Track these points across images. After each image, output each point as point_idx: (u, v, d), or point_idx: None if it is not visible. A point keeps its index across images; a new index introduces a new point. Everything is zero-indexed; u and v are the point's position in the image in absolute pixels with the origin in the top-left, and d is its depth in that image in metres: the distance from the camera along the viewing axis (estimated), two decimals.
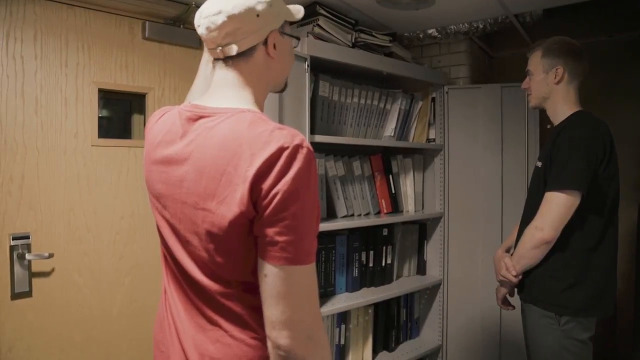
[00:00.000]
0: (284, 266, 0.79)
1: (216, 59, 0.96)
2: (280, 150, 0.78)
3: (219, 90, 0.95)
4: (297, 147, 0.79)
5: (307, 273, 0.82)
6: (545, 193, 1.55)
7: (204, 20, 0.92)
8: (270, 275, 0.80)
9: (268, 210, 0.78)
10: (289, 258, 0.79)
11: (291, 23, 1.02)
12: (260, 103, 0.98)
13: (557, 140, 1.56)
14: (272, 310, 0.81)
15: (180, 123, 0.93)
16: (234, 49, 0.91)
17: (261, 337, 0.87)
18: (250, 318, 0.88)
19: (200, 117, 0.90)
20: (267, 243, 0.80)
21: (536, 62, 1.68)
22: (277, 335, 0.81)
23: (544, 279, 1.59)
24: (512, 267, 1.64)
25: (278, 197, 0.77)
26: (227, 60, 0.94)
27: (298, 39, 1.05)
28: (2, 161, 1.69)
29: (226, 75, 0.94)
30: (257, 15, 0.90)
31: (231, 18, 0.88)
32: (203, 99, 0.96)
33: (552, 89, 1.66)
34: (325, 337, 0.86)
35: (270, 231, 0.79)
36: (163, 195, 0.94)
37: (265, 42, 0.93)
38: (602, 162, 1.52)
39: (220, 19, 0.89)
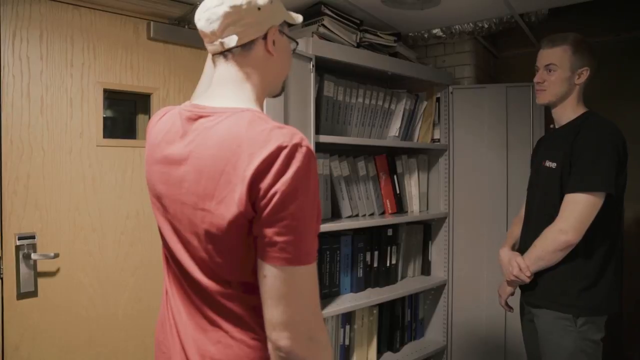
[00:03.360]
0: (284, 267, 0.79)
1: (216, 55, 0.95)
2: (279, 149, 0.78)
3: (219, 88, 0.94)
4: (296, 146, 0.79)
5: (308, 273, 0.81)
6: (568, 194, 1.52)
7: (204, 13, 0.92)
8: (270, 276, 0.80)
9: (267, 210, 0.78)
10: (289, 258, 0.79)
11: (290, 26, 1.03)
12: (260, 102, 0.97)
13: (577, 141, 1.54)
14: (272, 311, 0.80)
15: (181, 123, 0.93)
16: (234, 40, 0.91)
17: (262, 338, 0.86)
18: (251, 319, 0.88)
19: (200, 117, 0.90)
20: (267, 243, 0.79)
21: (564, 57, 1.60)
22: (277, 337, 0.80)
23: (561, 281, 1.57)
24: (527, 267, 1.61)
25: (277, 197, 0.77)
26: (227, 54, 0.93)
27: (297, 42, 1.05)
28: (8, 161, 1.69)
29: (227, 71, 0.94)
30: (259, 9, 0.90)
31: (233, 8, 0.89)
32: (203, 98, 0.96)
33: (572, 88, 1.62)
34: (326, 338, 0.86)
35: (269, 231, 0.78)
36: (163, 195, 0.94)
37: (265, 38, 0.93)
38: (623, 162, 1.52)
39: (222, 9, 0.89)
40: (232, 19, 0.90)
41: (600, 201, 1.48)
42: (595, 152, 1.50)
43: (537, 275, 1.62)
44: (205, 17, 0.92)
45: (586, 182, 1.49)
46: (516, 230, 1.82)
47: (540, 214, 1.65)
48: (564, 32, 1.64)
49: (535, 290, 1.64)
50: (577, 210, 1.49)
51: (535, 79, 1.68)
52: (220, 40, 0.92)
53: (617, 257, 1.57)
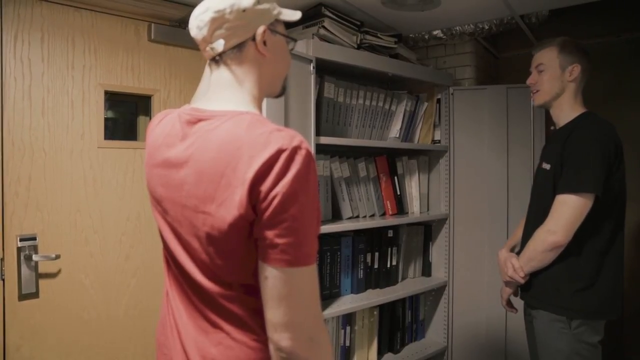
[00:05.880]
0: (285, 268, 0.79)
1: (211, 61, 0.96)
2: (279, 152, 0.78)
3: (216, 92, 0.95)
4: (296, 149, 0.79)
5: (308, 274, 0.82)
6: (557, 195, 1.53)
7: (194, 21, 0.94)
8: (271, 278, 0.80)
9: (267, 213, 0.78)
10: (289, 260, 0.79)
11: (287, 25, 1.02)
12: (258, 103, 0.98)
13: (568, 142, 1.54)
14: (273, 313, 0.81)
15: (180, 126, 0.93)
16: (221, 44, 0.92)
17: (263, 339, 0.87)
18: (252, 320, 0.88)
19: (200, 120, 0.90)
20: (267, 245, 0.80)
21: (552, 57, 1.64)
22: (278, 338, 0.81)
23: (555, 283, 1.57)
24: (520, 268, 1.62)
25: (277, 199, 0.77)
26: (219, 59, 0.94)
27: (294, 40, 1.04)
28: (9, 162, 1.70)
29: (221, 75, 0.95)
30: (244, 10, 0.90)
31: (218, 12, 0.90)
32: (202, 101, 0.96)
33: (565, 86, 1.63)
34: (327, 338, 0.86)
35: (270, 233, 0.79)
36: (164, 198, 0.94)
37: (255, 39, 0.93)
38: (615, 163, 1.51)
39: (208, 15, 0.90)
40: (218, 24, 0.90)
41: (589, 202, 1.48)
42: (584, 154, 1.50)
43: (534, 276, 1.63)
44: (195, 25, 0.93)
45: (574, 183, 1.49)
46: (519, 232, 1.82)
47: (537, 215, 1.66)
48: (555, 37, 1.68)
49: (532, 291, 1.65)
50: (566, 211, 1.49)
51: (528, 81, 1.71)
52: (210, 46, 0.93)
53: (615, 260, 1.56)
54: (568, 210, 1.49)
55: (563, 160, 1.54)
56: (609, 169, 1.49)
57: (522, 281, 1.63)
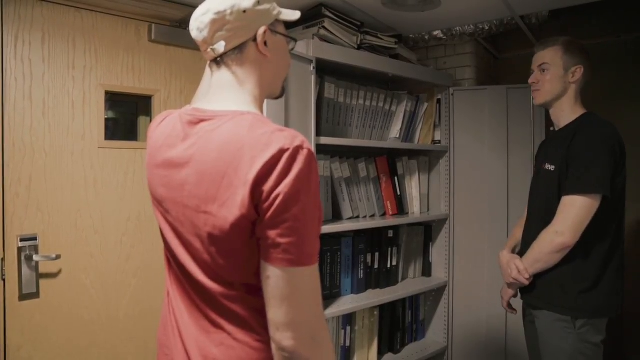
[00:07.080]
0: (287, 268, 0.79)
1: (212, 62, 0.97)
2: (281, 152, 0.78)
3: (218, 93, 0.95)
4: (298, 149, 0.79)
5: (310, 274, 0.82)
6: (564, 197, 1.53)
7: (194, 22, 0.94)
8: (273, 277, 0.80)
9: (269, 213, 0.78)
10: (292, 260, 0.79)
11: (287, 25, 1.03)
12: (260, 104, 0.98)
13: (573, 143, 1.54)
14: (275, 312, 0.81)
15: (182, 127, 0.94)
16: (222, 46, 0.92)
17: (265, 339, 0.87)
18: (254, 320, 0.88)
19: (201, 121, 0.91)
20: (270, 245, 0.80)
21: (556, 57, 1.63)
22: (281, 337, 0.81)
23: (560, 283, 1.57)
24: (525, 269, 1.61)
25: (279, 199, 0.77)
26: (220, 60, 0.95)
27: (295, 40, 1.04)
28: (10, 163, 1.70)
29: (222, 77, 0.95)
30: (244, 12, 0.90)
31: (219, 14, 0.90)
32: (203, 102, 0.97)
33: (567, 87, 1.63)
34: (328, 338, 0.86)
35: (272, 233, 0.79)
36: (165, 198, 0.95)
37: (255, 39, 0.93)
38: (620, 163, 1.52)
39: (209, 17, 0.91)
40: (219, 25, 0.91)
41: (597, 203, 1.48)
42: (591, 154, 1.50)
43: (537, 277, 1.62)
44: (196, 27, 0.94)
45: (581, 183, 1.49)
46: (518, 233, 1.82)
47: (540, 216, 1.65)
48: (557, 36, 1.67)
49: (535, 292, 1.64)
50: (573, 212, 1.49)
51: (530, 80, 1.70)
52: (211, 47, 0.93)
53: (618, 259, 1.56)
54: (575, 211, 1.49)
55: (569, 161, 1.54)
56: (615, 169, 1.49)
57: (527, 283, 1.63)
